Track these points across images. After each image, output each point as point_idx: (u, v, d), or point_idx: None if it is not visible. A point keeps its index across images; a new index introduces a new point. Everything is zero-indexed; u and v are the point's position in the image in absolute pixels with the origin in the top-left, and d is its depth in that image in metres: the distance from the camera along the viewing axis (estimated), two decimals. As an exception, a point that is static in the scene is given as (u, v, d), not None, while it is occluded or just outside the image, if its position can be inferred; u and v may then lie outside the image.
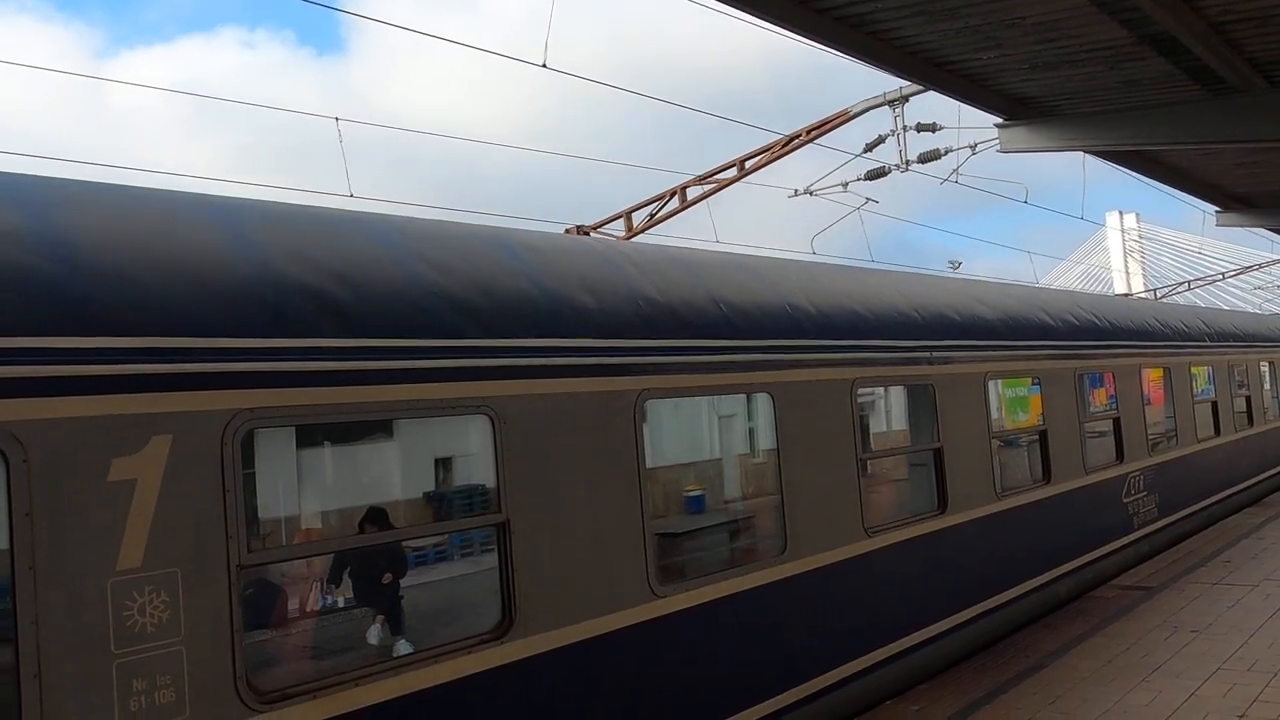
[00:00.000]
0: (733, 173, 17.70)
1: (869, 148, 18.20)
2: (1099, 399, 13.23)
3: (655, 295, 6.90)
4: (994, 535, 10.12)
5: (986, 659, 9.34)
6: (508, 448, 5.59)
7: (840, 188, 19.19)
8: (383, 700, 4.85)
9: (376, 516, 6.58)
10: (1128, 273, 58.49)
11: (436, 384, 5.32)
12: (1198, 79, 10.78)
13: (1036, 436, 11.55)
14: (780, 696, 7.13)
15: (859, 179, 18.88)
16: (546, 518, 5.73)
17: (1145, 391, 14.42)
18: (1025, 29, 9.21)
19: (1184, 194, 19.03)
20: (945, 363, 9.68)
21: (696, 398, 7.65)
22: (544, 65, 12.61)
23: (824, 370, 8.04)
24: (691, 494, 9.35)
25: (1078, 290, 30.75)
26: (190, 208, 5.12)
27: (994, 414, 10.63)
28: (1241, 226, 23.24)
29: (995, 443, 10.50)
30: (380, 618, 6.95)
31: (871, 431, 11.25)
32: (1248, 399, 19.16)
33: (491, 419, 5.54)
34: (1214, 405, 17.15)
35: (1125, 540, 13.15)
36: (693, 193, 17.91)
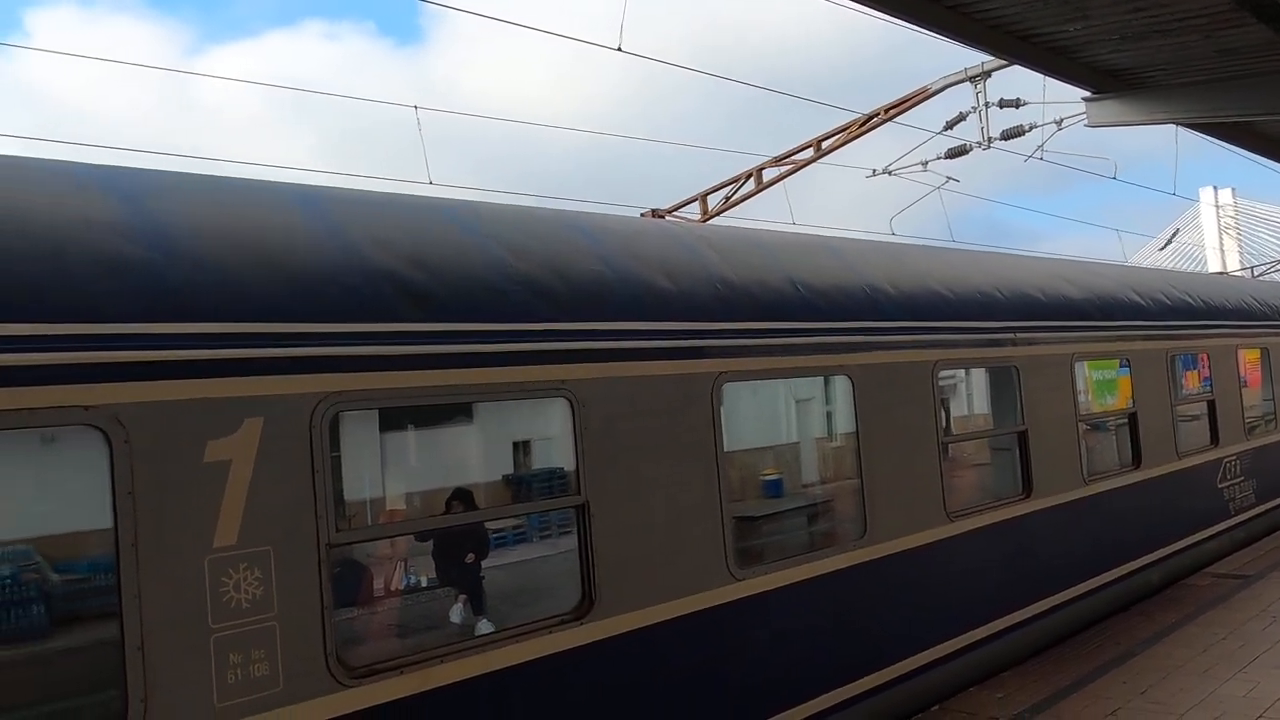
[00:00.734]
0: (809, 153, 17.50)
1: (949, 125, 17.82)
2: (1192, 381, 12.78)
3: (732, 277, 6.87)
4: (1080, 521, 9.87)
5: (1074, 646, 9.13)
6: (586, 430, 5.63)
7: (920, 167, 18.83)
8: (466, 677, 4.94)
9: (462, 496, 6.70)
10: (1223, 250, 56.30)
11: (515, 367, 5.38)
12: (1300, 46, 10.30)
13: (1125, 420, 11.22)
14: (859, 681, 7.08)
15: (939, 157, 18.50)
16: (625, 500, 5.77)
17: (1242, 373, 13.89)
18: (1114, -2, 8.92)
19: (1284, 167, 18.23)
20: (1030, 344, 9.45)
21: (774, 381, 7.60)
22: (619, 49, 12.61)
23: (904, 352, 7.92)
24: (769, 478, 9.30)
25: (1169, 269, 29.73)
26: (277, 197, 5.25)
27: (1081, 396, 10.34)
28: (1346, 200, 22.15)
29: (1082, 426, 10.22)
30: (463, 598, 7.08)
31: (953, 414, 11.05)
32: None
33: (570, 402, 5.59)
34: None
35: (1220, 527, 12.71)
36: (769, 174, 17.76)
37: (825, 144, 17.37)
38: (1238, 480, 13.23)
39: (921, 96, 16.86)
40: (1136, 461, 11.04)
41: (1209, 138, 15.25)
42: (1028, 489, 9.16)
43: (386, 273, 5.08)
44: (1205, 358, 12.96)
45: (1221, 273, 39.24)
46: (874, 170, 19.39)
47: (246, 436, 4.33)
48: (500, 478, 8.30)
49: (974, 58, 15.95)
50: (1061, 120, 17.32)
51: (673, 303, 6.33)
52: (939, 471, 8.08)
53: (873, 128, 17.02)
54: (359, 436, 5.91)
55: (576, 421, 5.60)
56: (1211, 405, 12.94)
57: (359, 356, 4.79)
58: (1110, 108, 12.14)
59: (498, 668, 5.08)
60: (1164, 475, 11.46)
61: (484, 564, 7.29)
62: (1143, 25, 9.68)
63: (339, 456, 4.93)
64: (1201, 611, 10.04)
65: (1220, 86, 11.63)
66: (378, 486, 7.21)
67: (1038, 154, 18.13)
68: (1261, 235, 56.56)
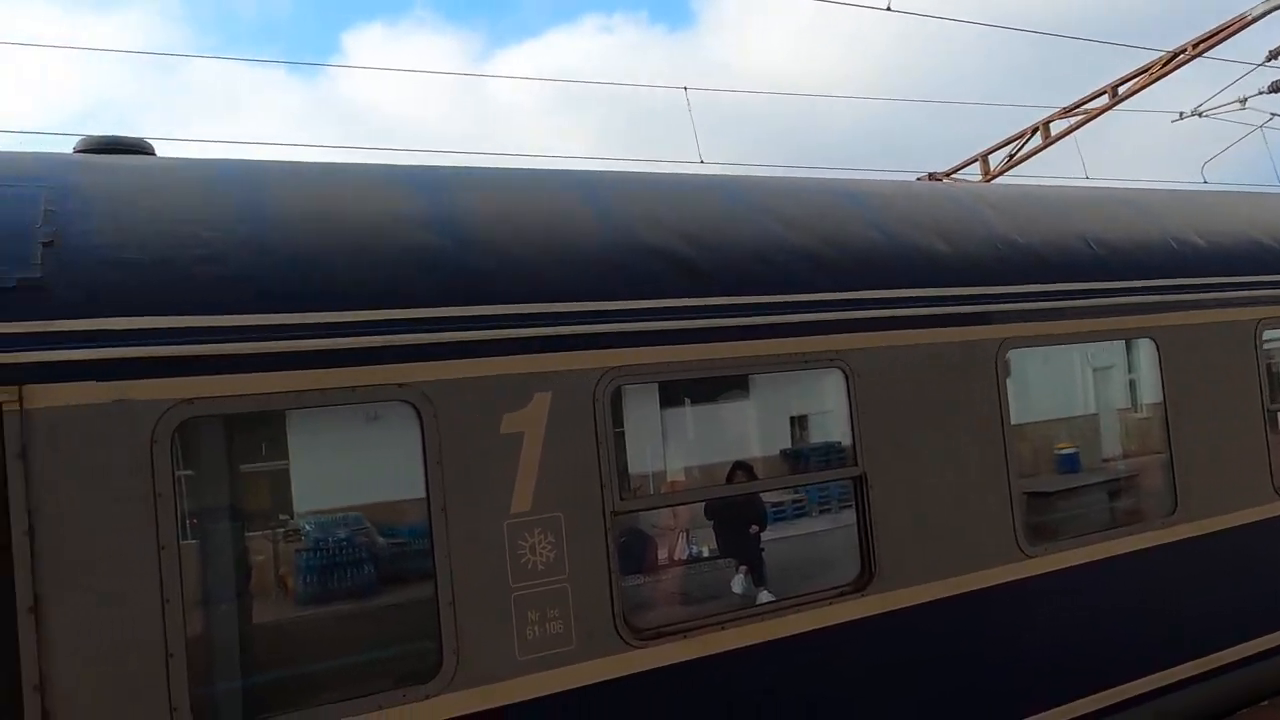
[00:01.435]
0: (1104, 100, 16.14)
1: (1273, 55, 15.78)
2: None
3: (1015, 237, 6.50)
4: None
5: None
6: (862, 401, 5.54)
7: (1237, 105, 16.85)
8: (748, 644, 5.04)
9: (744, 468, 6.83)
10: None
11: (788, 338, 5.38)
12: None
13: None
14: (1166, 672, 6.52)
15: (1260, 93, 16.44)
16: (904, 472, 5.63)
17: None
18: None
19: None
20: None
21: (1066, 347, 7.12)
22: (888, 9, 12.20)
23: (1220, 311, 7.16)
24: (1064, 452, 8.76)
25: None
26: (558, 184, 5.55)
27: None
28: None
29: None
30: (744, 568, 7.22)
31: (1282, 380, 9.86)
32: None
33: (845, 372, 5.52)
34: None
35: None
36: (1057, 127, 16.57)
37: (1122, 89, 15.95)
38: None
39: (1238, 25, 15.06)
40: None
41: None
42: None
43: (660, 250, 5.23)
44: None
45: None
46: (1181, 113, 17.56)
47: (536, 410, 4.63)
48: (778, 451, 8.37)
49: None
50: None
51: (950, 267, 6.08)
52: (1265, 443, 7.25)
53: (1178, 66, 15.42)
54: (641, 411, 6.15)
55: (852, 392, 5.52)
56: None
57: (636, 332, 4.98)
58: None
59: (778, 636, 5.13)
60: None
61: (763, 537, 7.40)
62: None
63: (621, 430, 5.15)
64: None
65: None
66: (659, 459, 7.49)
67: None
68: None
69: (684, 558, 8.17)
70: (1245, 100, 16.72)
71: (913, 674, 5.56)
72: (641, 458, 7.17)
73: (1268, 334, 7.49)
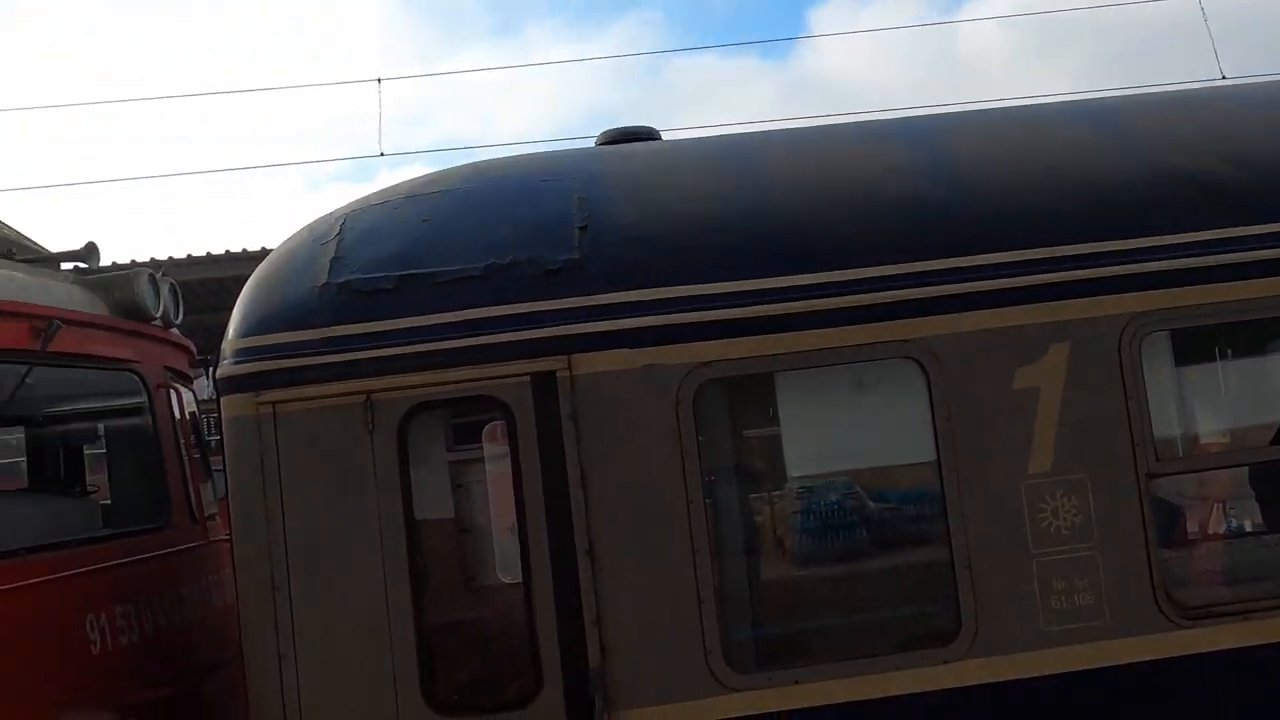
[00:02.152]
0: None
1: None
2: None
3: None
4: None
5: None
6: None
7: None
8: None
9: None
10: None
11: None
12: None
13: None
14: None
15: None
16: None
17: None
18: None
19: None
20: None
21: None
22: None
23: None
24: None
25: None
26: (1052, 117, 5.12)
27: None
28: None
29: None
30: (1306, 545, 6.15)
31: None
32: None
33: None
34: None
35: None
36: None
37: None
38: None
39: None
40: None
41: None
42: None
43: (1189, 177, 4.58)
44: None
45: None
46: None
47: (1053, 363, 4.30)
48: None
49: None
50: None
51: None
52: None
53: None
54: (1171, 361, 5.44)
55: None
56: None
57: (1163, 272, 4.39)
58: None
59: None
60: None
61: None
62: None
63: (1152, 382, 4.58)
64: None
65: None
66: (1194, 415, 6.59)
67: None
68: None
69: (1221, 531, 7.19)
70: None
71: None
72: (1173, 413, 6.35)
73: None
